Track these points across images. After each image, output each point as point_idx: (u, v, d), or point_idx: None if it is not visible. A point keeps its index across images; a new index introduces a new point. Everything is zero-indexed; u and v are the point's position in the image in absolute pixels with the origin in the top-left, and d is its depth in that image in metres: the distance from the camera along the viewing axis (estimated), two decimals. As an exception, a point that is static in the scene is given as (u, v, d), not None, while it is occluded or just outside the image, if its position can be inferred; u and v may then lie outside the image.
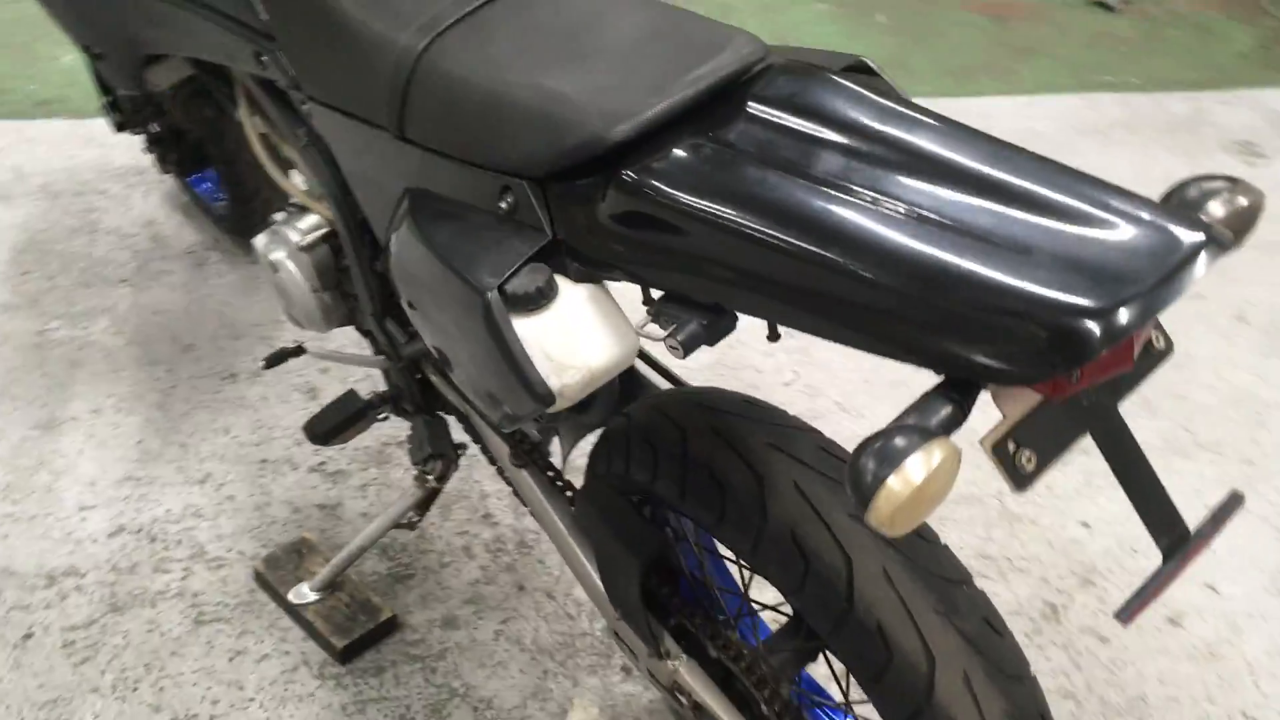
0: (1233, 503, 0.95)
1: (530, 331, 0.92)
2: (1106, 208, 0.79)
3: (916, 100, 0.93)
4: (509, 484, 1.46)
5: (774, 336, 1.09)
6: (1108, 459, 0.90)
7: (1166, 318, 0.93)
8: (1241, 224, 0.81)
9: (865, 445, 0.74)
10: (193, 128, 2.03)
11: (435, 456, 1.54)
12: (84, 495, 1.89)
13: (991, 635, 1.03)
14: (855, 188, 0.84)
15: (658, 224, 0.89)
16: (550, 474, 1.37)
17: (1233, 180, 0.82)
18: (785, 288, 0.84)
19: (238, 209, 2.31)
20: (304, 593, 1.70)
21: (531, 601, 1.75)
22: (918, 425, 0.76)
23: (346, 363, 1.63)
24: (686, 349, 0.92)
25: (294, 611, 1.69)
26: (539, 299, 0.92)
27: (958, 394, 0.79)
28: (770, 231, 0.83)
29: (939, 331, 0.78)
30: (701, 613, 1.24)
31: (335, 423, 1.54)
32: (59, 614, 1.70)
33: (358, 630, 1.66)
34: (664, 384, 1.40)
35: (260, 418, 2.05)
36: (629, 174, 0.90)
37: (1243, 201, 0.81)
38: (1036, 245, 0.78)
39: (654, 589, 1.25)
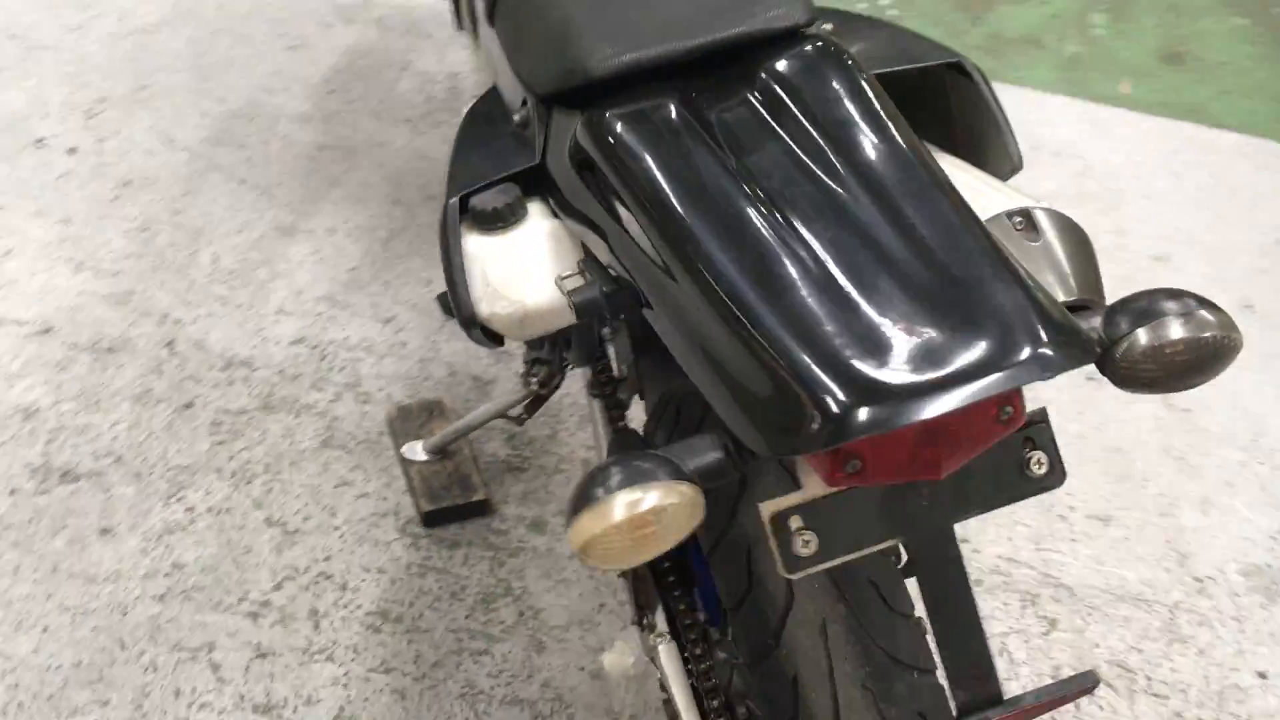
0: (1083, 683, 0.78)
1: (478, 250, 0.89)
2: (986, 288, 0.66)
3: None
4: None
5: None
6: (921, 584, 0.76)
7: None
8: (1194, 356, 0.64)
9: (611, 461, 0.66)
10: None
11: (541, 361, 1.53)
12: (287, 301, 2.04)
13: (921, 737, 0.89)
14: (758, 201, 0.76)
15: (590, 173, 0.83)
16: (614, 412, 1.33)
17: (1205, 305, 0.66)
18: (647, 286, 0.78)
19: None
20: (416, 450, 1.76)
21: (621, 534, 1.72)
22: (670, 461, 0.66)
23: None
24: (579, 312, 0.85)
25: (403, 464, 1.76)
26: (495, 220, 0.88)
27: (737, 448, 0.69)
28: (649, 223, 0.77)
29: (723, 377, 0.69)
30: (689, 601, 1.16)
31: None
32: (221, 395, 1.86)
33: (446, 501, 1.70)
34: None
35: (464, 280, 2.12)
36: (594, 114, 0.84)
37: (1195, 333, 0.65)
38: (875, 305, 0.68)
39: (657, 562, 1.19)
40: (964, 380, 0.62)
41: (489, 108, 1.02)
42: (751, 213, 0.74)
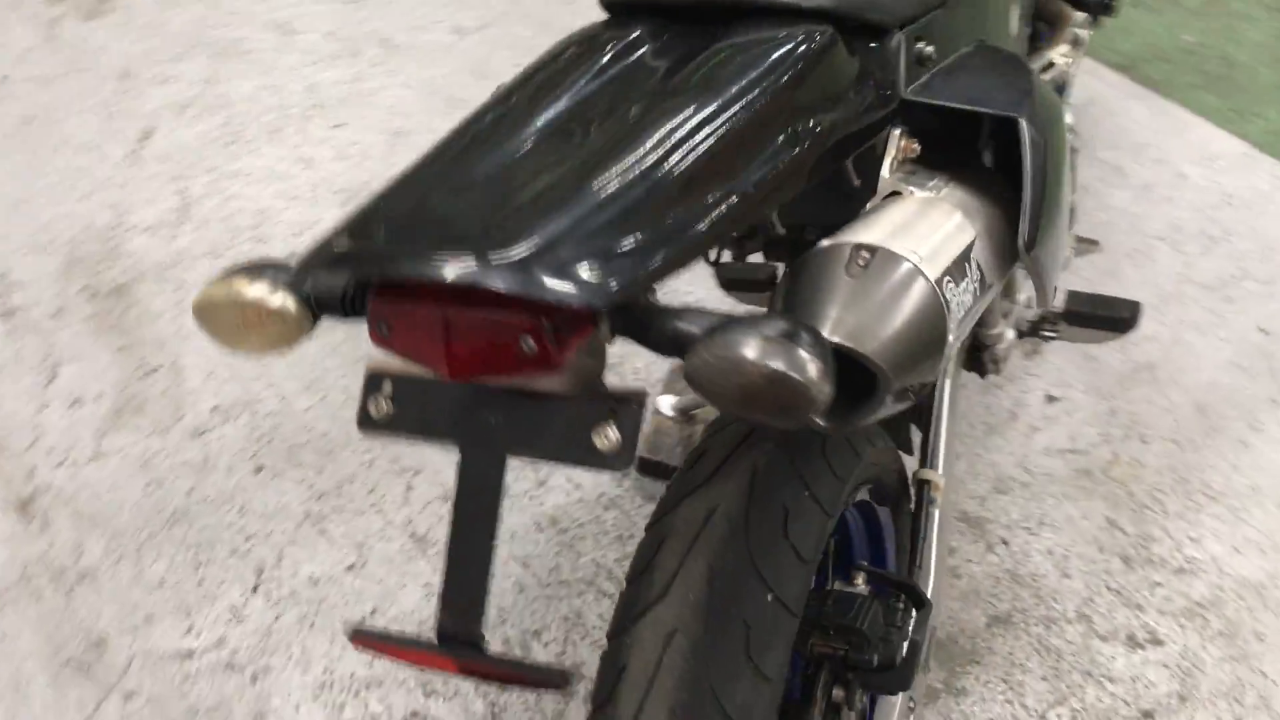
0: (553, 677, 0.72)
1: None
2: (584, 216, 0.66)
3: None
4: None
5: None
6: (456, 503, 0.73)
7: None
8: (760, 385, 0.57)
9: (287, 259, 0.71)
10: None
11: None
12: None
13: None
14: (555, 131, 0.77)
15: None
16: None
17: (813, 347, 0.56)
18: None
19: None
20: (666, 403, 1.82)
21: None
22: (310, 279, 0.69)
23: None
24: None
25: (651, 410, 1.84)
26: None
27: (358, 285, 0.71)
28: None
29: None
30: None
31: (738, 278, 1.59)
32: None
33: (662, 456, 1.75)
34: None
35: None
36: (600, 27, 0.86)
37: (775, 365, 0.61)
38: (485, 193, 0.69)
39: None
40: (423, 260, 0.61)
41: None
42: (530, 128, 0.75)
